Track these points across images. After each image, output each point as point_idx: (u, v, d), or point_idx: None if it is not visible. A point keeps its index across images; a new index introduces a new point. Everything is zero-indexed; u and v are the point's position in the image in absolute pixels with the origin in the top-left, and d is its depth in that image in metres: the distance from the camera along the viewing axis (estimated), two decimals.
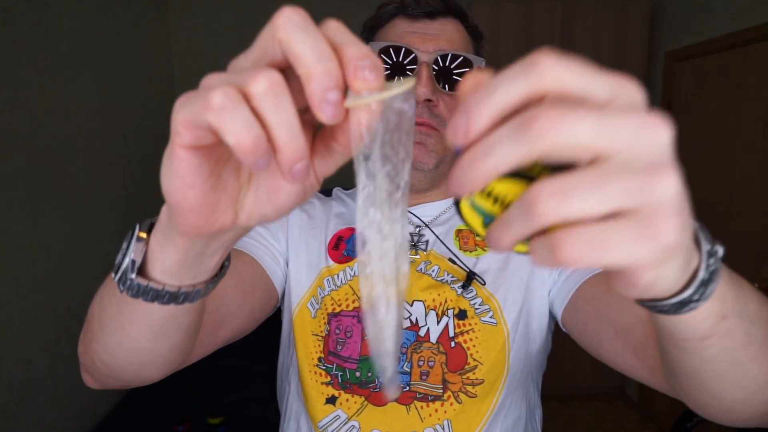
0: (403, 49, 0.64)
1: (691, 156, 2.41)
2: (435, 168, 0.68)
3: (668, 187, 0.19)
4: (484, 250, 0.70)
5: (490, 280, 0.67)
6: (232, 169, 0.27)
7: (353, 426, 0.63)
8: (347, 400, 0.64)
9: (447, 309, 0.66)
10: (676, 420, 1.93)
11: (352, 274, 0.69)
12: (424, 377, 0.63)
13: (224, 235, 0.30)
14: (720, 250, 0.29)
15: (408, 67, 0.64)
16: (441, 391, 0.63)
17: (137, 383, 0.45)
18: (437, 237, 0.71)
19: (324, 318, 0.67)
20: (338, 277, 0.69)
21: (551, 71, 0.19)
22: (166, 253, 0.31)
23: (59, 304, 1.83)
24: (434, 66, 0.64)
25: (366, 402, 0.64)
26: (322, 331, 0.67)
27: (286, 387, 0.72)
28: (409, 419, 0.63)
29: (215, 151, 0.25)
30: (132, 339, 0.38)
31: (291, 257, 0.72)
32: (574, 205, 0.18)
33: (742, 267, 2.10)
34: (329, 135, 0.26)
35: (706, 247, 0.29)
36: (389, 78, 0.62)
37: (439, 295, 0.67)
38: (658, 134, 0.20)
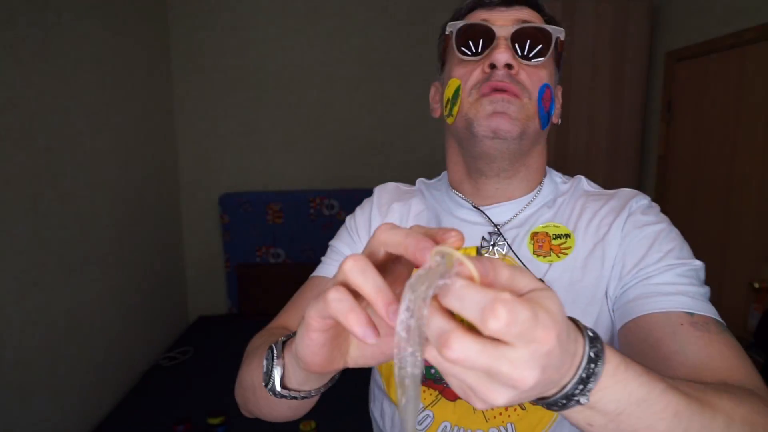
0: (482, 26, 0.65)
1: (691, 156, 2.41)
2: (519, 138, 0.64)
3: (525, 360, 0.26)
4: (559, 257, 0.66)
5: (558, 290, 0.63)
6: (345, 336, 0.39)
7: (428, 415, 0.69)
8: (423, 391, 0.69)
9: None
10: None
11: None
12: None
13: (336, 369, 0.42)
14: (598, 364, 0.31)
15: (484, 42, 0.65)
16: None
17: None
18: (507, 243, 0.68)
19: None
20: None
21: None
22: (299, 375, 0.44)
23: (59, 304, 1.83)
24: (513, 40, 0.64)
25: (440, 396, 0.68)
26: None
27: (374, 373, 0.81)
28: (475, 417, 0.66)
29: (335, 329, 0.36)
30: (278, 411, 0.55)
31: None
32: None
33: (742, 267, 2.10)
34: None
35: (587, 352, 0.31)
36: (470, 54, 0.66)
37: None
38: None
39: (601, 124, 2.71)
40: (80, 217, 1.97)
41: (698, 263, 0.60)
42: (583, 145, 2.71)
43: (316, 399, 0.51)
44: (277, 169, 3.13)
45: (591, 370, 0.30)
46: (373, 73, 3.07)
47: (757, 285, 1.97)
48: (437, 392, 0.69)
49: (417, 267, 0.31)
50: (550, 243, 0.67)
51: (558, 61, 0.72)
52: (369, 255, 0.34)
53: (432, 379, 0.69)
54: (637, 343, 0.55)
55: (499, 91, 0.63)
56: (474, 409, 0.66)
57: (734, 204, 2.14)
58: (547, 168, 0.77)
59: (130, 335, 2.37)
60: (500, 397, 0.27)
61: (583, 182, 0.75)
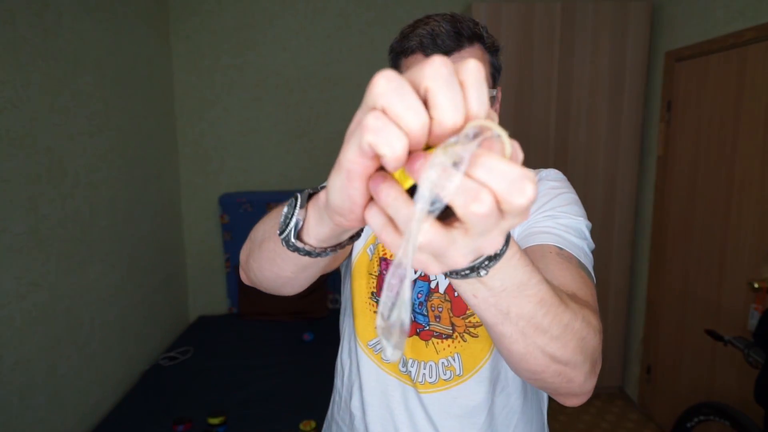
0: None
1: (691, 156, 2.41)
2: None
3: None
4: None
5: None
6: None
7: None
8: None
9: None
10: (676, 420, 1.93)
11: None
12: (437, 320, 0.81)
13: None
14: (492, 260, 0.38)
15: None
16: (450, 330, 0.81)
17: (277, 294, 0.63)
18: None
19: (377, 261, 0.84)
20: None
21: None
22: (320, 228, 0.43)
23: (59, 304, 1.83)
24: None
25: None
26: (375, 271, 0.84)
27: (346, 315, 0.90)
28: (428, 351, 0.81)
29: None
30: (281, 269, 0.53)
31: None
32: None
33: (742, 267, 2.10)
34: None
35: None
36: None
37: None
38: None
39: (600, 124, 2.71)
40: (80, 217, 1.97)
41: (581, 220, 0.72)
42: (582, 145, 2.71)
43: (322, 264, 0.52)
44: (277, 169, 3.13)
45: (501, 251, 0.37)
46: (373, 73, 3.06)
47: (756, 285, 1.98)
48: None
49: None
50: None
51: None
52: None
53: None
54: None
55: None
56: (426, 344, 0.81)
57: (734, 204, 2.15)
58: None
59: (130, 335, 2.37)
60: (436, 267, 0.30)
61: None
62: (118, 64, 2.30)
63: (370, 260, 0.85)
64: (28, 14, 1.68)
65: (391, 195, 0.27)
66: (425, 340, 0.81)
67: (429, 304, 0.81)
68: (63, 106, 1.87)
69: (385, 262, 0.83)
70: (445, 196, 0.25)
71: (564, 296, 0.49)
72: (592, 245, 0.72)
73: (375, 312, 0.82)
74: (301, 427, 1.87)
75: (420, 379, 0.81)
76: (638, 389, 2.84)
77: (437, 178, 0.25)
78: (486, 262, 0.37)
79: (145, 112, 2.59)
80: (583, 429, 2.66)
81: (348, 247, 0.81)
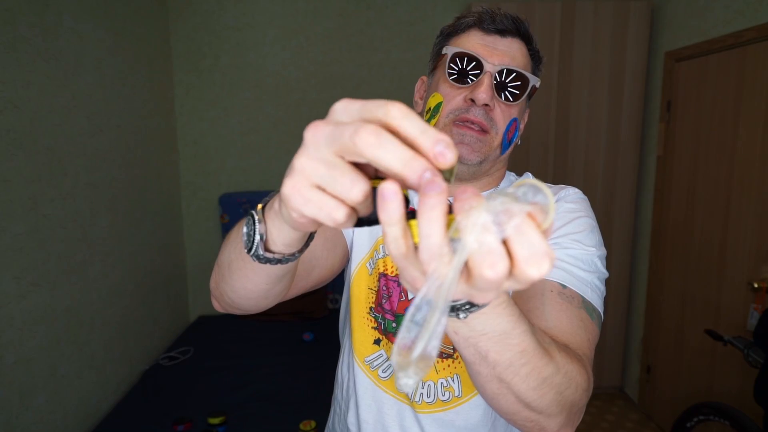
0: (474, 57, 0.72)
1: (690, 156, 2.41)
2: (478, 164, 0.75)
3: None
4: None
5: None
6: None
7: (390, 364, 0.78)
8: (386, 344, 0.80)
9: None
10: (676, 420, 1.94)
11: None
12: None
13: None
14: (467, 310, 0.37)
15: (472, 73, 0.73)
16: (452, 350, 0.78)
17: (254, 311, 0.63)
18: None
19: (376, 276, 0.82)
20: None
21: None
22: (282, 234, 0.43)
23: (59, 304, 1.83)
24: (497, 76, 0.72)
25: None
26: (375, 286, 0.82)
27: (346, 328, 0.89)
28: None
29: None
30: (254, 284, 0.53)
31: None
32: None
33: (742, 267, 2.10)
34: None
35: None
36: (457, 80, 0.74)
37: None
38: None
39: (600, 124, 2.71)
40: (80, 217, 1.97)
41: (593, 250, 0.69)
42: (582, 145, 2.71)
43: (291, 271, 0.54)
44: (277, 169, 3.13)
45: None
46: (373, 73, 3.07)
47: (756, 285, 1.98)
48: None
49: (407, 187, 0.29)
50: None
51: (531, 96, 0.80)
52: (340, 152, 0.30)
53: (392, 332, 0.79)
54: (515, 294, 0.67)
55: (470, 127, 0.73)
56: None
57: (734, 204, 2.15)
58: (507, 171, 0.87)
59: (130, 335, 2.37)
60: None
61: (529, 176, 0.84)
62: (118, 64, 2.30)
63: (370, 275, 0.83)
64: (28, 14, 1.68)
65: (434, 241, 0.26)
66: None
67: None
68: (63, 106, 1.87)
69: (384, 278, 0.81)
70: (472, 248, 0.26)
71: (552, 347, 0.48)
72: (605, 274, 0.70)
73: (373, 328, 0.82)
74: (301, 427, 1.87)
75: (417, 399, 0.79)
76: (638, 389, 2.84)
77: (479, 234, 0.25)
78: (467, 306, 0.36)
79: (145, 112, 2.59)
80: (583, 429, 2.66)
81: (341, 255, 0.82)
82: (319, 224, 0.33)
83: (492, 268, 0.25)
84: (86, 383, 1.99)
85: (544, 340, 0.48)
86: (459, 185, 0.79)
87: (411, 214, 0.29)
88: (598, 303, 0.67)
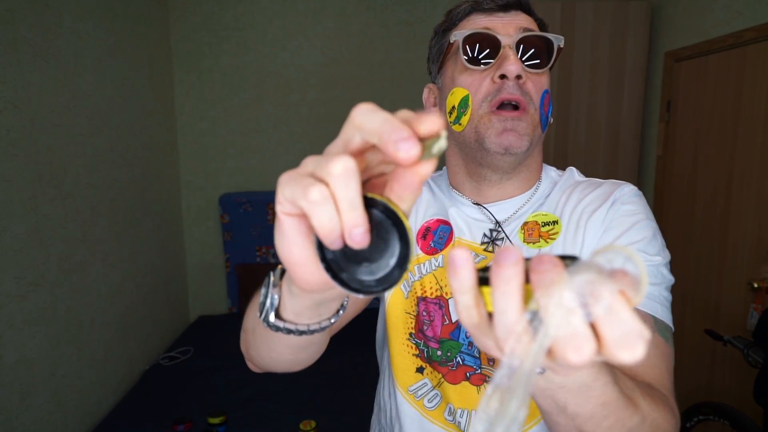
0: (488, 35, 0.66)
1: (690, 156, 2.41)
2: (526, 150, 0.68)
3: None
4: (547, 242, 0.70)
5: None
6: None
7: (437, 394, 0.73)
8: (431, 372, 0.74)
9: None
10: None
11: (437, 264, 0.74)
12: (491, 363, 0.71)
13: (333, 291, 0.35)
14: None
15: (491, 52, 0.67)
16: None
17: (288, 372, 0.58)
18: (506, 236, 0.72)
19: (414, 300, 0.76)
20: (424, 266, 0.75)
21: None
22: (294, 301, 0.39)
23: (59, 304, 1.83)
24: (517, 48, 0.66)
25: (443, 379, 0.72)
26: (413, 311, 0.76)
27: (384, 352, 0.82)
28: (479, 398, 0.69)
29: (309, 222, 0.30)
30: (278, 354, 0.50)
31: None
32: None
33: (742, 267, 2.10)
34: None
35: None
36: (477, 64, 0.67)
37: None
38: None
39: (600, 124, 2.71)
40: (80, 217, 1.97)
41: (659, 259, 0.65)
42: (582, 145, 2.71)
43: (319, 342, 0.48)
44: (277, 169, 3.13)
45: None
46: (373, 73, 3.07)
47: (756, 285, 1.98)
48: (441, 375, 0.72)
49: (392, 161, 0.28)
50: (539, 230, 0.71)
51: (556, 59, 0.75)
52: (343, 145, 0.29)
53: (437, 361, 0.72)
54: None
55: (509, 108, 0.66)
56: (477, 390, 0.71)
57: (734, 204, 2.15)
58: (544, 164, 0.80)
59: (131, 335, 2.37)
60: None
61: (574, 173, 0.78)
62: (118, 64, 2.30)
63: (406, 298, 0.77)
64: (28, 14, 1.68)
65: (510, 318, 0.24)
66: (476, 386, 0.71)
67: None
68: (63, 106, 1.87)
69: (424, 302, 0.75)
70: (555, 332, 0.23)
71: (635, 394, 0.44)
72: (672, 281, 0.66)
73: (414, 355, 0.75)
74: (301, 427, 1.87)
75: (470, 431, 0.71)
76: None
77: (564, 317, 0.23)
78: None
79: (145, 112, 2.59)
80: None
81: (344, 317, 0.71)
82: (328, 285, 0.31)
83: (577, 352, 0.23)
84: (86, 383, 1.99)
85: (627, 386, 0.43)
86: (496, 187, 0.73)
87: (483, 279, 0.26)
88: (668, 317, 0.62)
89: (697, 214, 2.37)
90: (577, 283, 0.22)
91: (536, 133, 0.69)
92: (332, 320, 0.43)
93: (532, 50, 0.67)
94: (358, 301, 0.72)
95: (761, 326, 1.68)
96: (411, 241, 0.28)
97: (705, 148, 2.32)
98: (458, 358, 0.72)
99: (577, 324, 0.23)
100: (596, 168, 2.72)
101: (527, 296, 0.24)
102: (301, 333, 0.42)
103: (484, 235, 0.73)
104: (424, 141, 0.26)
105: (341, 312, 0.43)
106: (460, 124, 0.70)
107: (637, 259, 0.23)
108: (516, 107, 0.66)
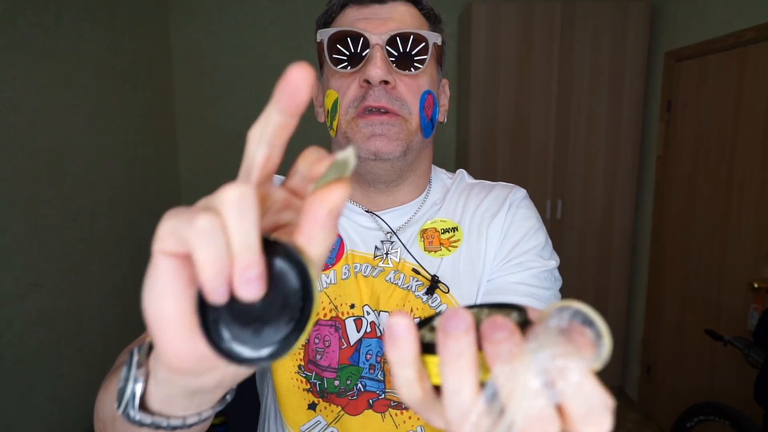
0: (354, 33, 0.61)
1: (690, 156, 2.41)
2: (403, 156, 0.63)
3: None
4: (449, 251, 0.68)
5: (452, 283, 0.67)
6: None
7: (333, 431, 0.65)
8: (325, 407, 0.65)
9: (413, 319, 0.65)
10: (676, 420, 1.94)
11: (328, 281, 0.67)
12: None
13: (215, 373, 0.27)
14: None
15: (359, 53, 0.61)
16: None
17: None
18: (403, 245, 0.68)
19: None
20: None
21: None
22: (159, 387, 0.29)
23: (59, 304, 1.83)
24: (388, 47, 0.61)
25: (343, 412, 0.65)
26: (302, 340, 0.65)
27: (265, 388, 0.72)
28: (385, 426, 0.64)
29: (191, 269, 0.23)
30: None
31: None
32: None
33: (742, 267, 2.10)
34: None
35: None
36: (345, 66, 0.62)
37: (404, 305, 0.66)
38: None
39: (600, 124, 2.71)
40: (80, 217, 1.97)
41: (553, 263, 0.66)
42: (582, 145, 2.71)
43: (205, 426, 0.35)
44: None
45: None
46: None
47: (756, 285, 1.98)
48: (339, 407, 0.65)
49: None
50: (439, 237, 0.69)
51: (440, 60, 0.68)
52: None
53: (334, 393, 0.65)
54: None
55: (377, 113, 0.61)
56: (382, 417, 0.64)
57: (734, 204, 2.15)
58: (433, 167, 0.77)
59: (131, 335, 2.37)
60: None
61: (464, 175, 0.77)
62: (118, 64, 2.31)
63: None
64: (28, 14, 1.68)
65: (464, 399, 0.21)
66: (380, 413, 0.64)
67: (385, 365, 0.64)
68: (63, 106, 1.87)
69: (316, 327, 0.66)
70: (515, 414, 0.20)
71: None
72: (560, 282, 0.67)
73: (305, 390, 0.66)
74: None
75: None
76: (638, 389, 2.84)
77: (528, 402, 0.20)
78: None
79: (145, 112, 2.59)
80: None
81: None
82: (204, 362, 0.24)
83: (602, 422, 0.20)
84: (86, 383, 1.99)
85: None
86: (384, 196, 0.69)
87: (426, 346, 0.22)
88: None
89: (698, 213, 2.37)
90: (540, 360, 0.20)
91: (415, 138, 0.64)
92: (217, 408, 0.34)
93: (405, 50, 0.61)
94: None
95: (761, 326, 1.68)
96: (314, 295, 0.23)
97: (705, 148, 2.32)
98: (359, 385, 0.64)
99: (543, 408, 0.20)
100: (596, 168, 2.72)
101: (480, 365, 0.21)
102: (174, 429, 0.31)
103: (375, 247, 0.69)
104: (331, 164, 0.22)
105: (228, 398, 0.35)
106: (332, 129, 0.67)
107: (599, 323, 0.21)
108: (386, 111, 0.62)
